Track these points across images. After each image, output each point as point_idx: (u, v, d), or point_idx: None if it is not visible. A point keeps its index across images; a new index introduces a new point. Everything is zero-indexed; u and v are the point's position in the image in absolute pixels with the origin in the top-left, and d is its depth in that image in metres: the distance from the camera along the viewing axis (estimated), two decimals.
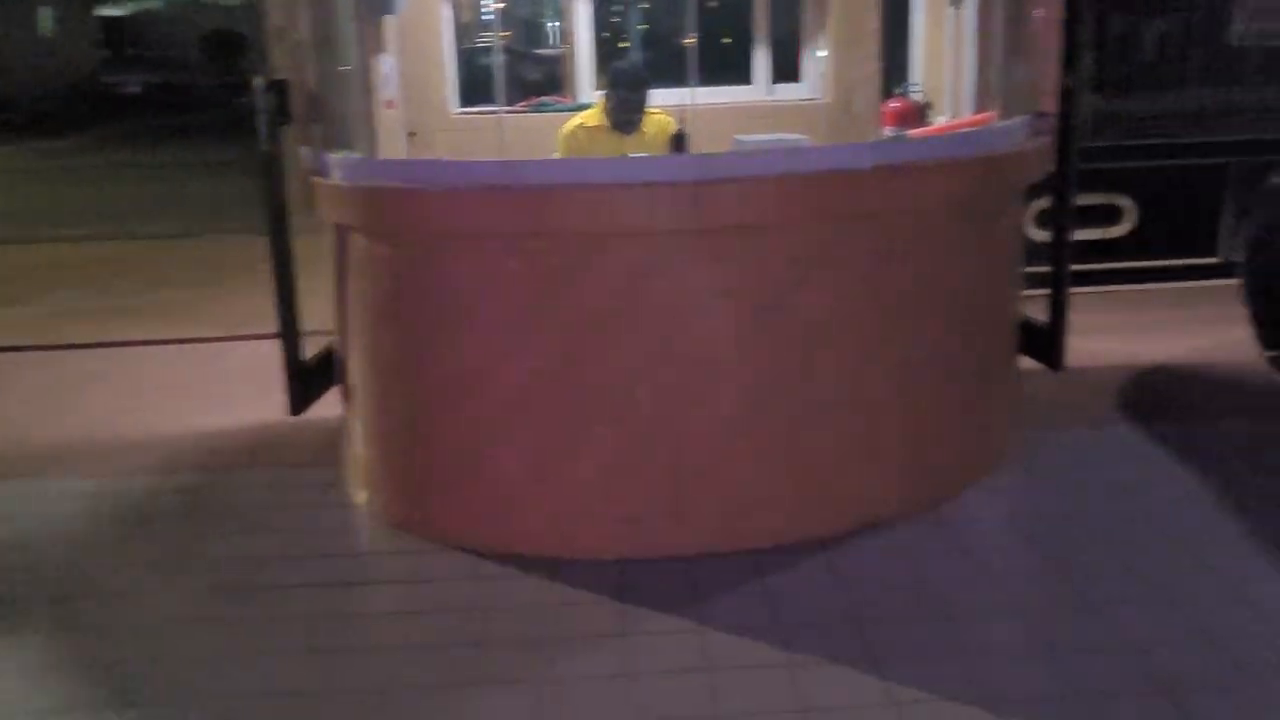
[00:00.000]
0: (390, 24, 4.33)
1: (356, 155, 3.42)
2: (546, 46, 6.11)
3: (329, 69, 3.64)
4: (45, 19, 30.41)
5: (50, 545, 3.43)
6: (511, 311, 3.11)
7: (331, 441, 3.99)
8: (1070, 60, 3.72)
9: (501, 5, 5.75)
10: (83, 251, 8.92)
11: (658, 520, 3.19)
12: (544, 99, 5.38)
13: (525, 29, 6.52)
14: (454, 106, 5.23)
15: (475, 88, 5.65)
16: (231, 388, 4.88)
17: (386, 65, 4.10)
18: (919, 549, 3.20)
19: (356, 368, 3.54)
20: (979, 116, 3.98)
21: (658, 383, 3.10)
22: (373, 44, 3.95)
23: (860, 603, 2.92)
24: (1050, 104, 3.78)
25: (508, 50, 6.64)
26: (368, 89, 3.83)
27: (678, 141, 3.43)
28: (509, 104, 5.52)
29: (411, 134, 4.69)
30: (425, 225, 3.12)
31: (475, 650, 2.77)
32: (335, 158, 3.30)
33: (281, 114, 3.49)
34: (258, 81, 3.38)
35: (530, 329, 3.11)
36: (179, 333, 5.88)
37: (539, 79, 5.79)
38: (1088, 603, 2.88)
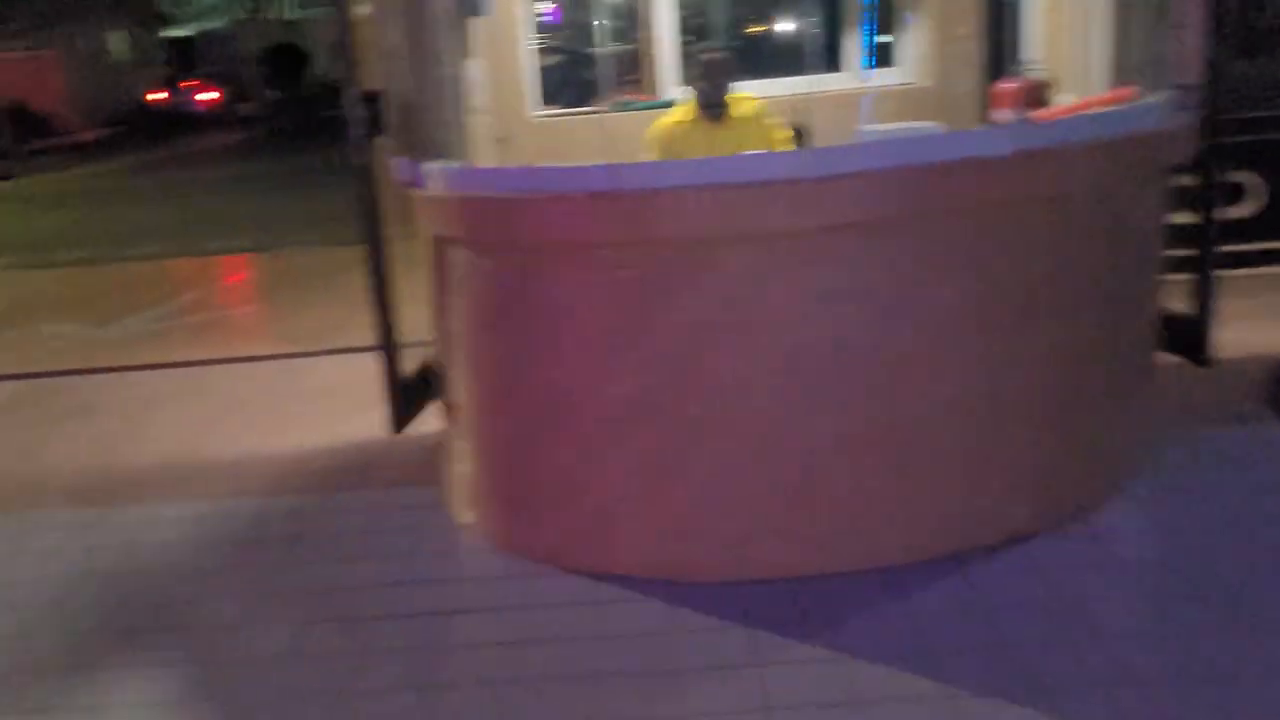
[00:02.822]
0: (475, 29, 4.18)
1: (457, 165, 3.27)
2: (596, 46, 5.87)
3: (420, 77, 3.51)
4: (119, 42, 31.26)
5: (166, 574, 3.37)
6: (618, 323, 2.93)
7: (431, 459, 3.87)
8: (1217, 27, 3.44)
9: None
10: (153, 270, 9.07)
11: (776, 540, 2.99)
12: (626, 98, 5.21)
13: (580, 29, 6.35)
14: (533, 109, 5.07)
15: (549, 89, 5.47)
16: (319, 405, 4.76)
17: (473, 70, 3.96)
18: (1059, 565, 2.95)
19: (458, 383, 3.40)
20: (1118, 93, 3.67)
21: (773, 395, 2.90)
22: (460, 49, 3.81)
23: (1002, 624, 2.70)
24: (1190, 76, 3.50)
25: (567, 51, 6.49)
26: (458, 96, 3.68)
27: (797, 136, 3.21)
28: (579, 104, 5.36)
29: (500, 139, 4.55)
30: (530, 235, 2.96)
31: (594, 685, 2.61)
32: (434, 168, 3.15)
33: (373, 125, 3.38)
34: (350, 93, 3.27)
35: (637, 341, 2.93)
36: (256, 349, 5.85)
37: (596, 79, 5.58)
38: (1237, 622, 2.63)
